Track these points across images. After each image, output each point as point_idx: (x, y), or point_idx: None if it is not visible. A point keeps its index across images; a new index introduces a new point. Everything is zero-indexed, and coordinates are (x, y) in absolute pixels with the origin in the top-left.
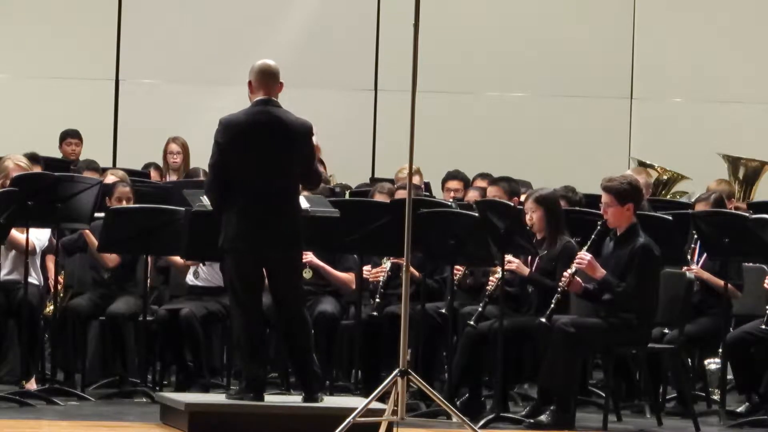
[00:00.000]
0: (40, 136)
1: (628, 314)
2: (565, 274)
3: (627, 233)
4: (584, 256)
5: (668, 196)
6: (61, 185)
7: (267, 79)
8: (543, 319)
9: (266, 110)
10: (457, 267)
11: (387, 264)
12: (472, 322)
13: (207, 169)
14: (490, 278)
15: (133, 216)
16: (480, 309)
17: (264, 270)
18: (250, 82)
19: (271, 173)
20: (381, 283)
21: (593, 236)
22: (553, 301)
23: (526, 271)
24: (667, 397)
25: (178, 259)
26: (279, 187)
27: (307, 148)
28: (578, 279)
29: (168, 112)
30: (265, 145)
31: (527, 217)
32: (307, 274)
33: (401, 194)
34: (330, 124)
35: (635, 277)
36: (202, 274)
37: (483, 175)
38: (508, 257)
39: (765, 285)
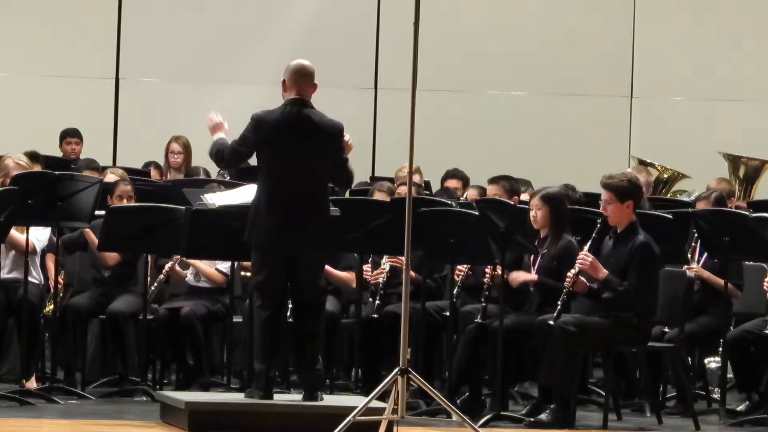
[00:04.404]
0: (41, 134)
1: (628, 313)
2: (569, 274)
3: (626, 231)
4: (586, 256)
5: (669, 195)
6: (61, 184)
7: (301, 79)
8: (551, 322)
9: (298, 109)
10: (460, 267)
11: (386, 265)
12: (479, 320)
13: (220, 155)
14: (486, 273)
15: (134, 214)
16: (483, 304)
17: (289, 266)
18: (284, 81)
19: (301, 172)
20: (381, 285)
21: (594, 235)
22: (559, 302)
23: (535, 278)
24: (667, 395)
25: (179, 269)
26: (308, 186)
27: (337, 149)
28: (583, 279)
29: (168, 110)
30: (295, 144)
31: (531, 213)
32: None
33: (403, 192)
34: None
35: (636, 276)
36: (201, 276)
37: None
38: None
39: (765, 286)
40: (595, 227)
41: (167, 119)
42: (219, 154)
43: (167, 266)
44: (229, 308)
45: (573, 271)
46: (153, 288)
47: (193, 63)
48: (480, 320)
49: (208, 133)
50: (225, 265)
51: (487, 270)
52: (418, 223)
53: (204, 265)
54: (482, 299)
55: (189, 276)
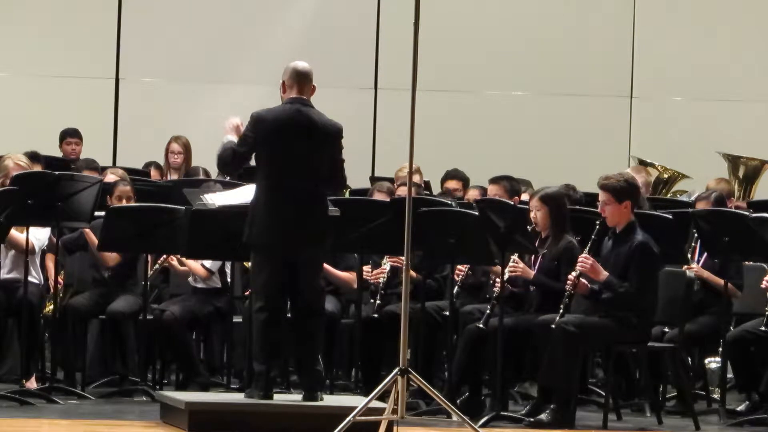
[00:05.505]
0: (41, 134)
1: (628, 313)
2: (570, 276)
3: (625, 231)
4: (586, 259)
5: (668, 195)
6: (61, 184)
7: (300, 80)
8: (553, 326)
9: (297, 109)
10: (460, 267)
11: (387, 265)
12: (481, 325)
13: (225, 154)
14: (495, 280)
15: (134, 215)
16: (488, 312)
17: (289, 266)
18: (282, 83)
19: (300, 172)
20: (381, 285)
21: (593, 237)
22: (562, 306)
23: (531, 274)
24: (667, 395)
25: (177, 265)
26: (307, 186)
27: (335, 150)
28: (584, 281)
29: (168, 110)
30: (295, 143)
31: (531, 214)
32: None
33: (403, 192)
34: None
35: (636, 276)
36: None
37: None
38: (514, 260)
39: (763, 285)
40: (594, 229)
41: (167, 119)
42: (220, 158)
43: (161, 258)
44: (224, 310)
45: (574, 273)
46: (150, 273)
47: (193, 63)
48: (481, 326)
49: (208, 133)
50: (209, 262)
51: (497, 281)
52: (418, 223)
53: (192, 261)
54: (488, 309)
55: (190, 277)
